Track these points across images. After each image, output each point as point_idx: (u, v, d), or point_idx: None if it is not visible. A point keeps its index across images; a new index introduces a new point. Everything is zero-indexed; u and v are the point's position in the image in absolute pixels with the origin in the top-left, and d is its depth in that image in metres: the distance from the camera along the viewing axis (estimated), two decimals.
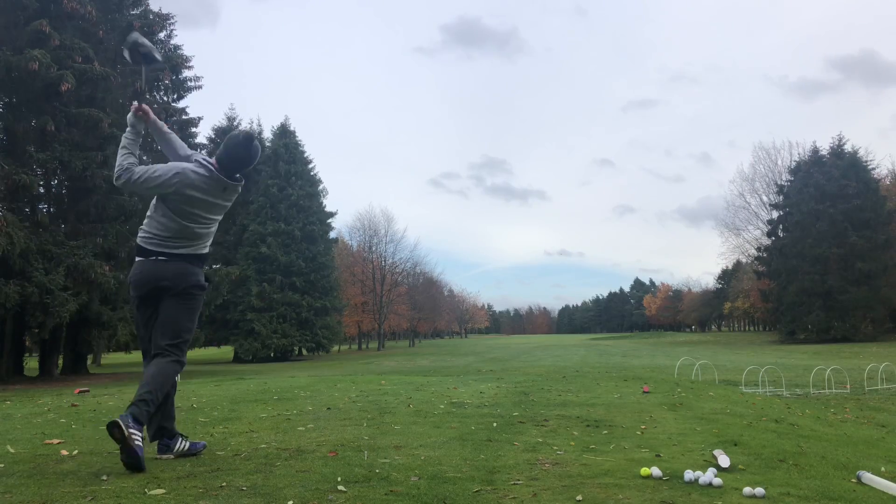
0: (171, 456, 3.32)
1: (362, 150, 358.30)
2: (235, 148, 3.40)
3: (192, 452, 3.40)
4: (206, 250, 3.54)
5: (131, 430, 2.87)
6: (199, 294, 3.44)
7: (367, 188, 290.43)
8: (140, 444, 2.91)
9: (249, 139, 3.42)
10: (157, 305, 3.38)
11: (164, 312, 3.34)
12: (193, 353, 54.60)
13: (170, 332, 3.31)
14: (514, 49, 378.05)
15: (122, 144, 3.40)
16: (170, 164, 3.40)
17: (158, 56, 3.72)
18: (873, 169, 50.77)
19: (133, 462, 2.89)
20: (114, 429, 2.86)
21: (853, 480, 2.92)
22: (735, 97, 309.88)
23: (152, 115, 3.56)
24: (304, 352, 47.74)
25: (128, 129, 3.46)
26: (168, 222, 3.32)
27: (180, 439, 3.43)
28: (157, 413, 3.32)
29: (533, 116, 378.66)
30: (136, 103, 3.51)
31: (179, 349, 3.33)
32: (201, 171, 3.34)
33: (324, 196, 48.69)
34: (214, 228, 3.56)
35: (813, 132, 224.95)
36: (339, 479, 2.79)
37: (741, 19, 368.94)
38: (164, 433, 3.39)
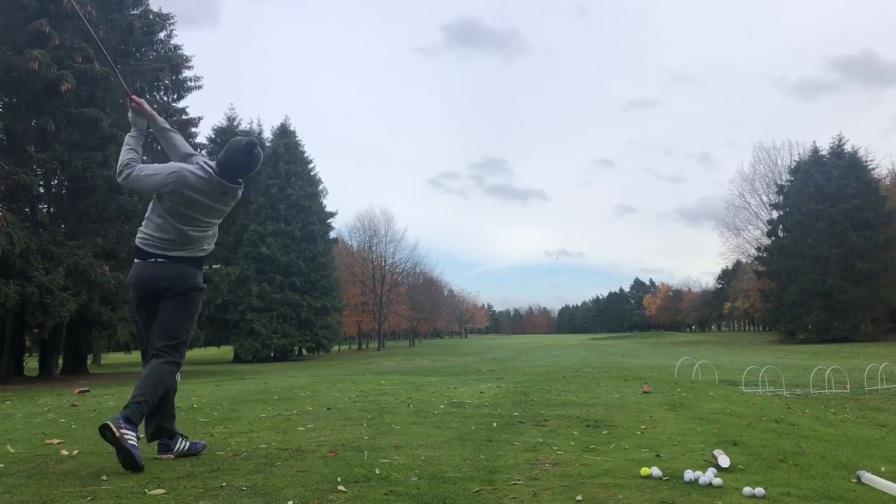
0: (172, 456, 3.32)
1: (362, 150, 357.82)
2: (237, 154, 3.36)
3: (192, 452, 3.40)
4: (205, 252, 3.49)
5: (123, 431, 2.87)
6: (197, 296, 3.41)
7: (367, 188, 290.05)
8: (135, 443, 2.91)
9: (251, 146, 3.38)
10: (157, 307, 3.35)
11: (162, 314, 3.31)
12: (193, 353, 54.60)
13: (166, 334, 3.28)
14: (514, 49, 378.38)
15: (125, 142, 3.40)
16: (169, 163, 3.38)
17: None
18: (873, 169, 50.84)
19: (129, 462, 2.88)
20: (105, 431, 2.86)
21: (853, 480, 2.92)
22: (735, 97, 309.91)
23: (147, 108, 3.53)
24: (304, 352, 47.75)
25: (132, 128, 3.48)
26: (164, 224, 3.29)
27: (180, 439, 3.43)
28: (157, 413, 3.32)
29: (533, 116, 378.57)
30: (133, 97, 3.50)
31: (177, 350, 3.31)
32: (200, 172, 3.31)
33: (324, 196, 48.75)
34: (213, 231, 3.51)
35: (813, 132, 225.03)
36: (339, 479, 2.79)
37: (741, 19, 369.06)
38: (163, 433, 3.38)
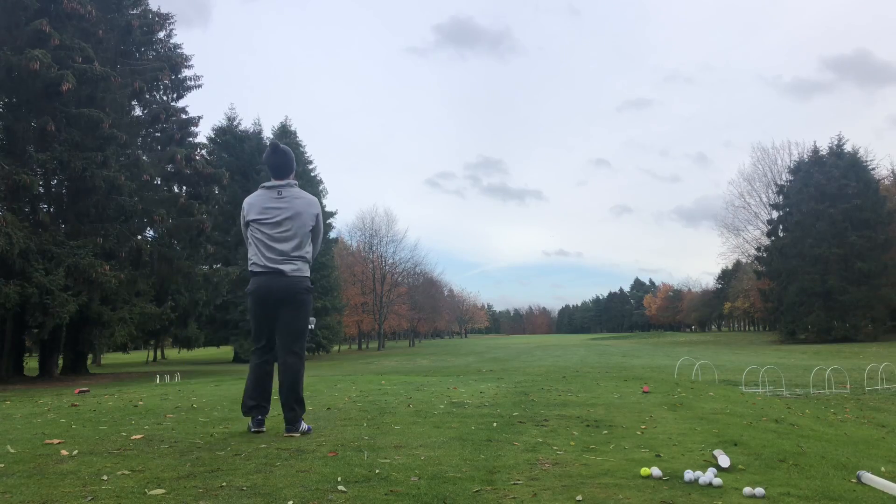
0: (297, 434, 3.96)
1: (359, 149, 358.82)
2: (268, 160, 4.07)
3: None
4: (299, 255, 4.03)
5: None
6: (306, 298, 4.03)
7: (364, 188, 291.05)
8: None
9: (273, 147, 4.08)
10: (276, 312, 4.01)
11: (281, 322, 3.99)
12: (194, 353, 54.66)
13: (284, 338, 3.99)
14: (506, 49, 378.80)
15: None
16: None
17: None
18: (873, 169, 50.86)
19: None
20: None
21: (853, 480, 2.92)
22: (730, 97, 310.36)
23: None
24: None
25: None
26: (254, 241, 4.08)
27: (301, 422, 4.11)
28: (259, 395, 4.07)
29: (528, 116, 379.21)
30: None
31: (297, 344, 4.04)
32: (253, 192, 4.14)
33: (324, 196, 48.74)
34: (296, 235, 4.03)
35: (809, 132, 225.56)
36: (339, 479, 2.79)
37: (735, 19, 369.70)
38: (258, 411, 4.09)
